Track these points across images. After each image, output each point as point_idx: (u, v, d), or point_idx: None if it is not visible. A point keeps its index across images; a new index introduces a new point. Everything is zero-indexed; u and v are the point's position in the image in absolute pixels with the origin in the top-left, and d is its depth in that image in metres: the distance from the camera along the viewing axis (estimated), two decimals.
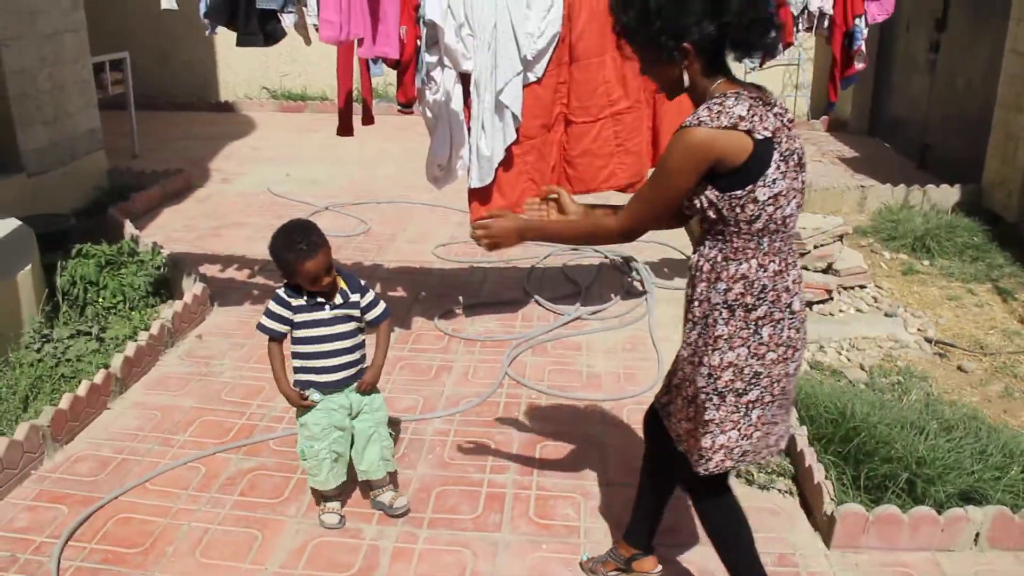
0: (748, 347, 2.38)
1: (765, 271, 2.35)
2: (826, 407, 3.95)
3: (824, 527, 3.35)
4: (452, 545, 3.27)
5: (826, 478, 3.51)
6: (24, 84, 6.73)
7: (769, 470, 3.75)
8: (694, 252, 2.49)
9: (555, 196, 2.83)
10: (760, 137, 2.23)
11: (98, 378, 4.09)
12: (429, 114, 4.55)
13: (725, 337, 2.38)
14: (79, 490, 3.53)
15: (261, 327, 3.20)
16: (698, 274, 2.44)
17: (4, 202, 6.23)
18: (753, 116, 2.23)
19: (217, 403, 4.26)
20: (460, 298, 5.61)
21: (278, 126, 11.79)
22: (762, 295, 2.35)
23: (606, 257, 6.38)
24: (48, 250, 5.39)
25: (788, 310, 2.39)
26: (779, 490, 3.66)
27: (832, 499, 3.41)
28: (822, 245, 5.55)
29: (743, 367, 2.39)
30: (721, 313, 2.38)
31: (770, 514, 3.49)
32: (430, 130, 4.65)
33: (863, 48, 5.03)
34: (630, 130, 4.87)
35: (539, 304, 5.56)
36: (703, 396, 2.44)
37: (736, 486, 3.60)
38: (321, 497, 3.42)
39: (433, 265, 6.35)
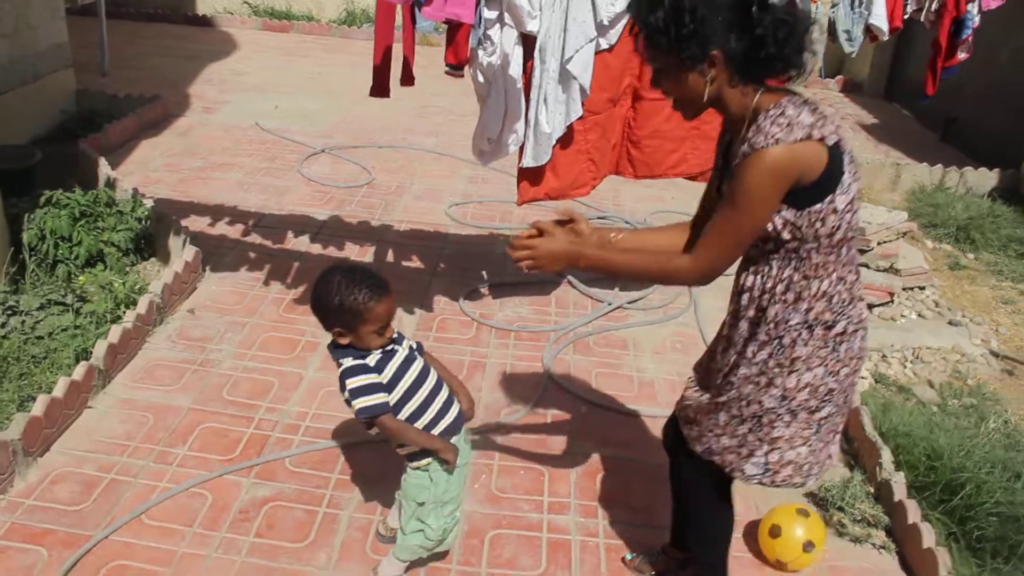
0: (826, 366, 2.24)
1: (844, 283, 2.20)
2: (926, 453, 3.51)
3: None
4: None
5: (938, 544, 3.05)
6: None
7: (858, 517, 3.30)
8: (745, 272, 2.28)
9: (569, 220, 2.45)
10: (831, 143, 2.03)
11: (78, 373, 3.42)
12: (481, 78, 3.81)
13: (803, 358, 2.23)
14: (60, 524, 2.89)
15: (365, 411, 2.45)
16: (768, 296, 2.22)
17: None
18: (818, 122, 2.03)
19: (219, 403, 3.63)
20: (484, 274, 5.01)
21: (262, 47, 10.81)
22: (841, 310, 2.21)
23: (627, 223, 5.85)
24: (10, 192, 4.67)
25: (859, 320, 2.26)
26: (874, 544, 3.22)
27: (950, 572, 2.95)
28: (886, 242, 5.03)
29: (818, 386, 2.25)
30: (800, 334, 2.21)
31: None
32: (480, 97, 3.93)
33: (970, 38, 4.47)
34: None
35: (572, 286, 4.98)
36: (772, 416, 2.29)
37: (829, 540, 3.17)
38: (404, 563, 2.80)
39: (449, 229, 5.71)
